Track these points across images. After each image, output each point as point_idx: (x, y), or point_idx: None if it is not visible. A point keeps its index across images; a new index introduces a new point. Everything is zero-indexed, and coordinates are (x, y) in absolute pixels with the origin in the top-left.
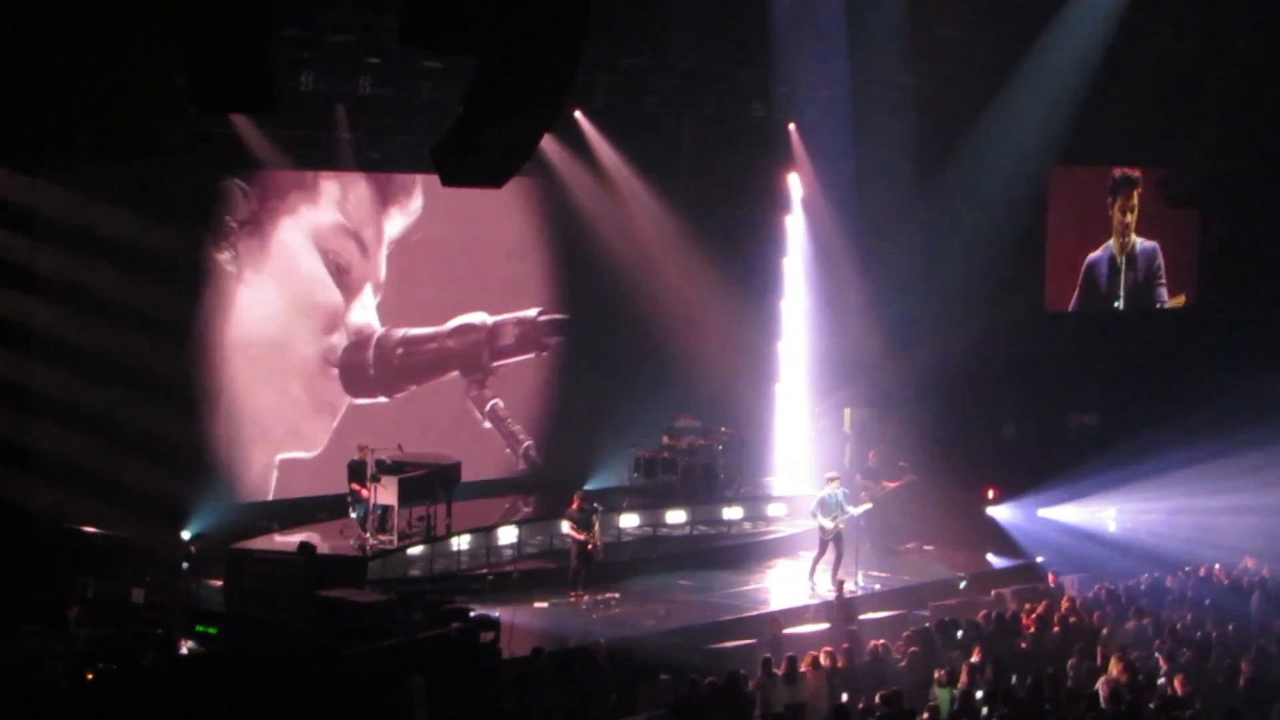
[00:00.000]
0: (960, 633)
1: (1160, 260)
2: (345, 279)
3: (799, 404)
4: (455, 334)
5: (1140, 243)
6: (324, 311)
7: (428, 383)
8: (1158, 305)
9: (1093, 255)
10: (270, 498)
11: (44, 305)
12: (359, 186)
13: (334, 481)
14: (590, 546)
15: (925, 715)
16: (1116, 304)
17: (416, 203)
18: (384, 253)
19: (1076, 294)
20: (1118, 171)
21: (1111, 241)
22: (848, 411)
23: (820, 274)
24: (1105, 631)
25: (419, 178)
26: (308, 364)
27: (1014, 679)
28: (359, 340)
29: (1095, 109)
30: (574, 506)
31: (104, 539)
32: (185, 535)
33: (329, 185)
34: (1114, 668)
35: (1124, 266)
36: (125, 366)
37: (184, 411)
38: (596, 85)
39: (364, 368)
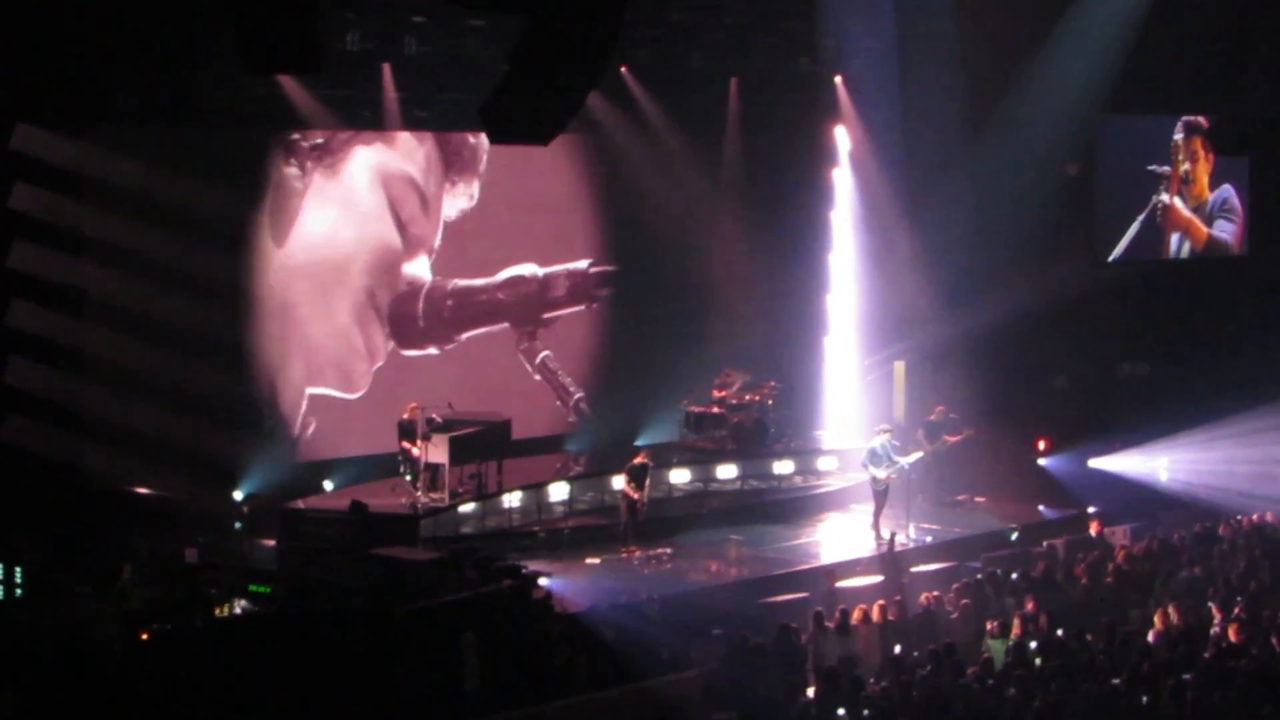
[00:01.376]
0: (1012, 584)
1: (1235, 202)
2: (405, 232)
3: (848, 357)
4: (506, 286)
5: (1215, 189)
6: (383, 251)
7: (477, 333)
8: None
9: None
10: (319, 456)
11: (93, 267)
12: (428, 145)
13: (384, 440)
14: (638, 505)
15: (978, 667)
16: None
17: (480, 166)
18: (442, 214)
19: (1126, 243)
20: (1184, 119)
21: (1172, 192)
22: (898, 365)
23: (868, 227)
24: (1158, 581)
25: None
26: (359, 298)
27: (1067, 630)
28: (409, 291)
29: (1143, 57)
30: (636, 461)
31: (157, 500)
32: (237, 495)
33: (403, 137)
34: (1167, 617)
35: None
36: (175, 327)
37: (234, 371)
38: (642, 41)
39: (413, 319)
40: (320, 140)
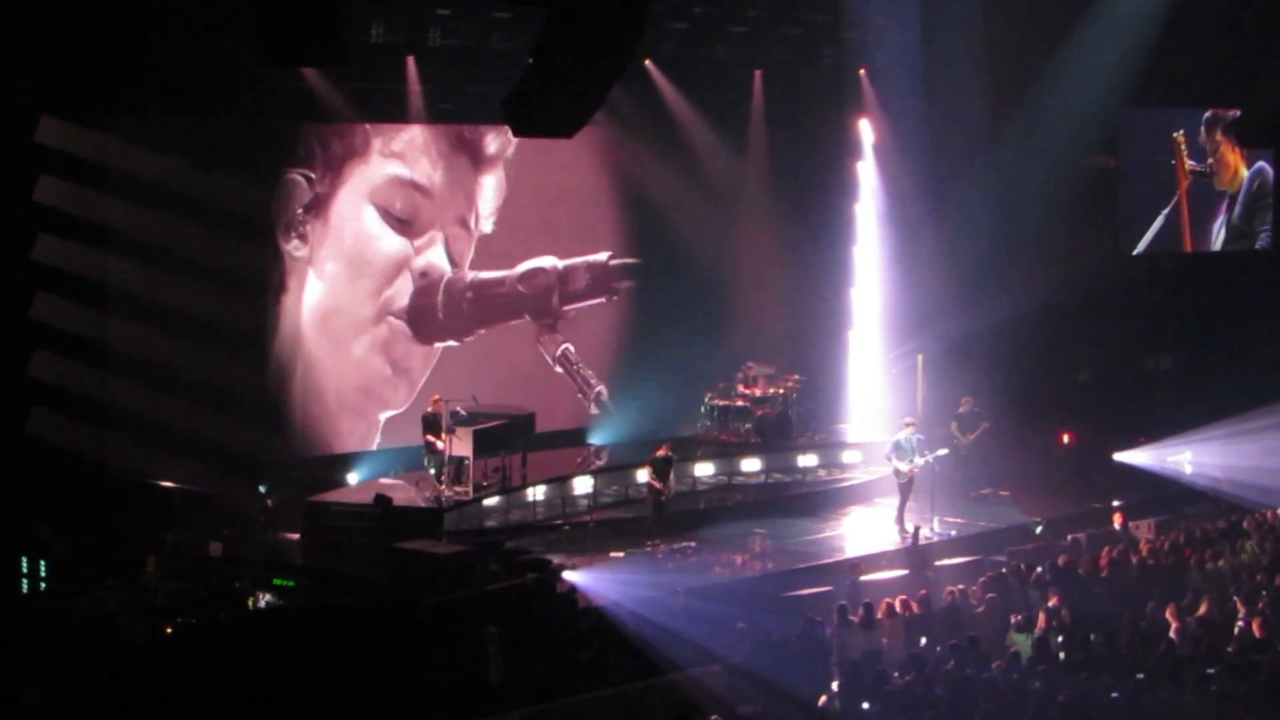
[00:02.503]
0: (1037, 578)
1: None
2: (408, 228)
3: (872, 350)
4: (525, 278)
5: (1248, 174)
6: (391, 269)
7: (497, 327)
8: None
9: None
10: (346, 450)
11: (117, 260)
12: (451, 139)
13: (409, 434)
14: (663, 497)
15: (1003, 661)
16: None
17: (505, 159)
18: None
19: (1151, 236)
20: (1209, 112)
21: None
22: (921, 358)
23: (892, 220)
24: (1182, 575)
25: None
26: (380, 330)
27: (1091, 623)
28: (427, 284)
29: (1167, 51)
30: (659, 454)
31: (181, 493)
32: (262, 489)
33: (382, 138)
34: (1192, 611)
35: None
36: (200, 320)
37: (259, 364)
38: (667, 34)
39: (432, 311)
40: (311, 200)
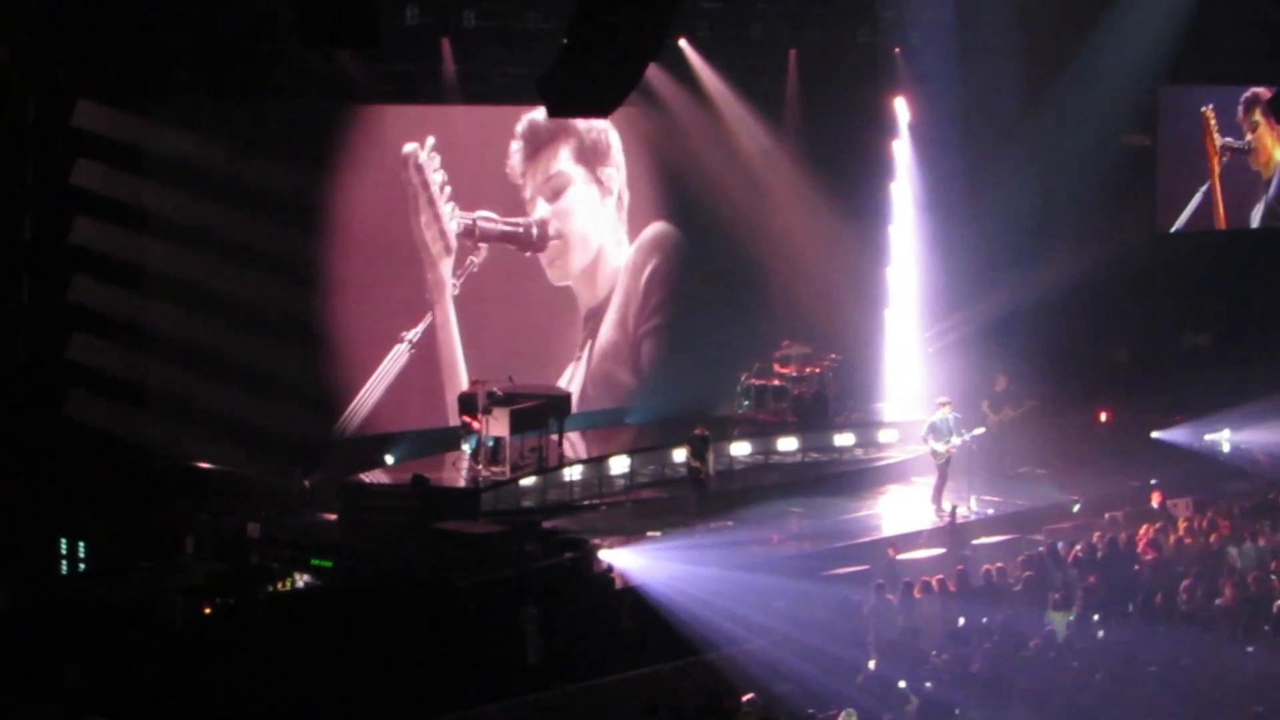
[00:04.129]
0: (1074, 556)
1: None
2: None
3: (909, 329)
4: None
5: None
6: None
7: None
8: None
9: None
10: (381, 430)
11: (155, 243)
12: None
13: (446, 414)
14: (702, 476)
15: (1040, 640)
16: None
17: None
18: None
19: (1188, 214)
20: (1248, 91)
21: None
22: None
23: (929, 198)
24: (1221, 553)
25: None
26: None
27: (1128, 602)
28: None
29: (1204, 28)
30: (696, 433)
31: (219, 475)
32: (299, 470)
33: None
34: (1229, 589)
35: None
36: (237, 301)
37: (296, 346)
38: (701, 13)
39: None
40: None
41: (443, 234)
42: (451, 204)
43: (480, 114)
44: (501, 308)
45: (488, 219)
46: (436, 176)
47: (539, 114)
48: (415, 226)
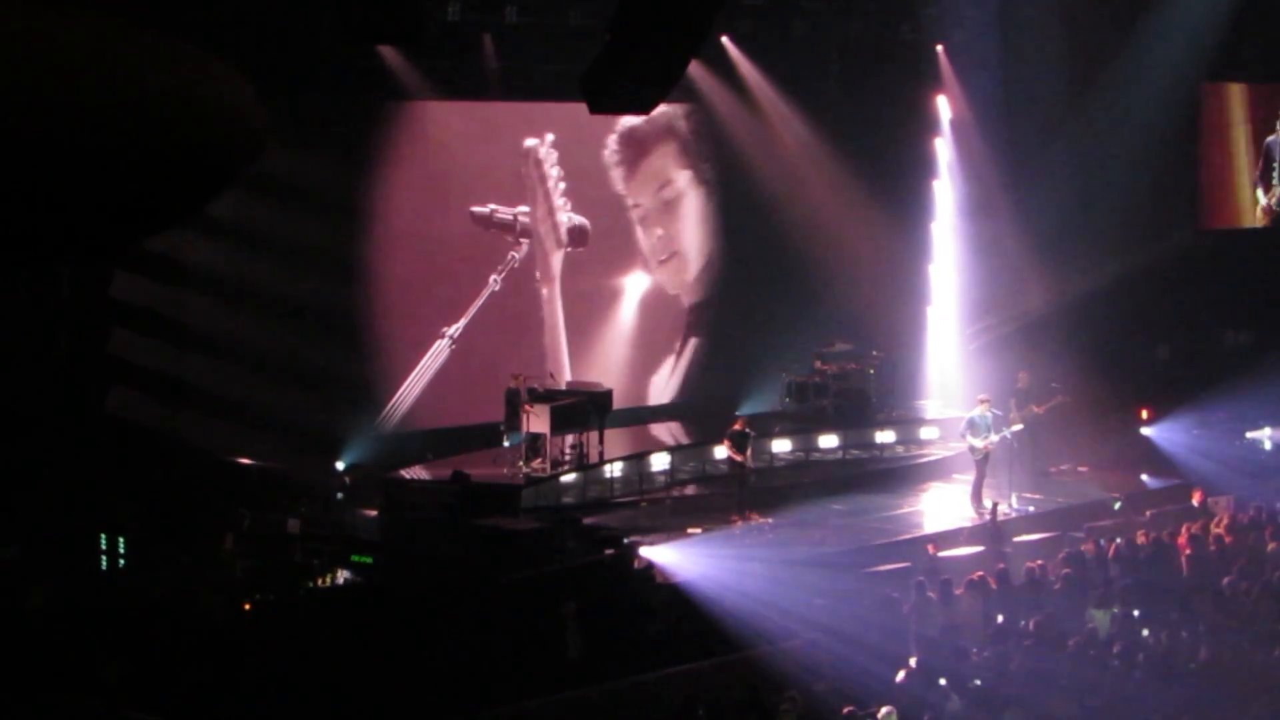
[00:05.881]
0: (1116, 554)
1: None
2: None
3: (951, 327)
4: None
5: None
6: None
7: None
8: None
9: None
10: (421, 426)
11: (196, 239)
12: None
13: (487, 410)
14: (746, 469)
15: (1081, 637)
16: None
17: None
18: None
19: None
20: None
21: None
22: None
23: (971, 196)
24: (1261, 551)
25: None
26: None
27: (1170, 600)
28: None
29: (1246, 25)
30: (736, 428)
31: (259, 470)
32: (339, 466)
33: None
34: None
35: None
36: (277, 297)
37: (337, 342)
38: (744, 9)
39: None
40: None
41: (555, 227)
42: (564, 199)
43: (521, 110)
44: (593, 307)
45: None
46: (553, 171)
47: (630, 121)
48: (531, 216)
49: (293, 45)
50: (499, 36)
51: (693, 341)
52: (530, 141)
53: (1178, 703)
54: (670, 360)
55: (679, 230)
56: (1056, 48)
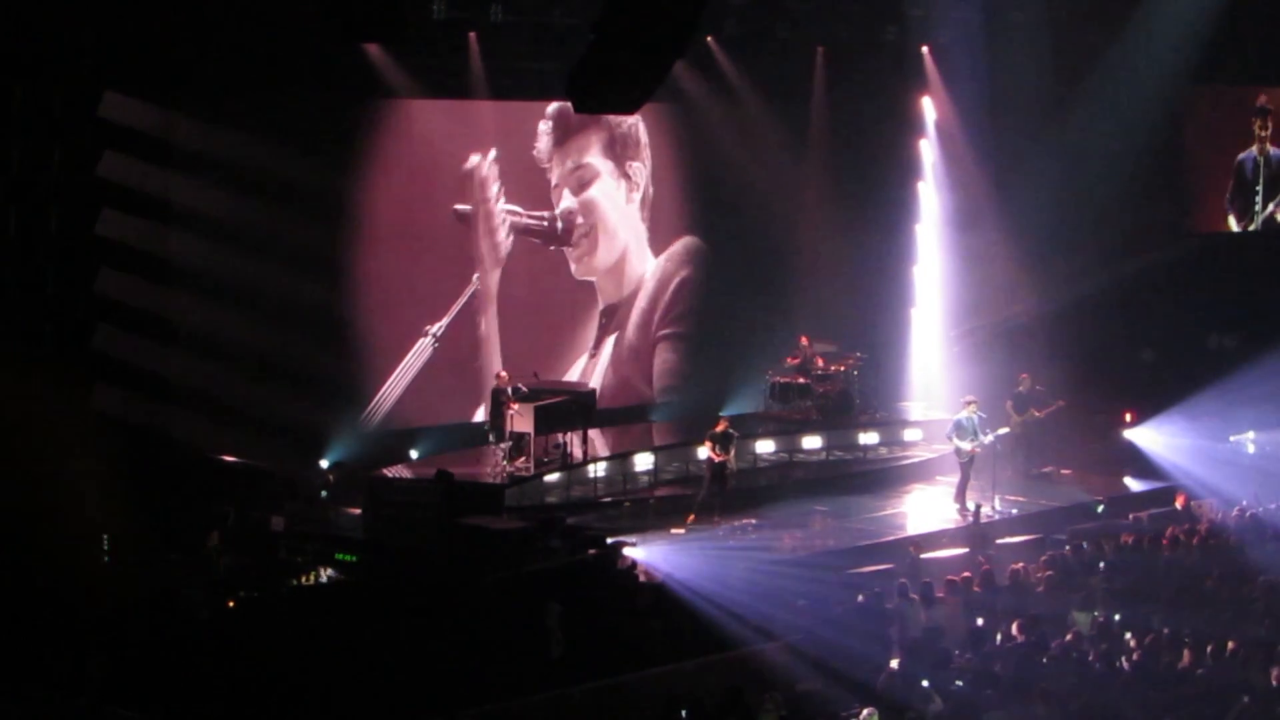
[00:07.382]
0: (1098, 556)
1: None
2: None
3: (934, 328)
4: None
5: None
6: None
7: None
8: None
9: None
10: (404, 425)
11: (181, 236)
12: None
13: (470, 409)
14: (726, 470)
15: (1063, 640)
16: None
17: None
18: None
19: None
20: (1263, 97)
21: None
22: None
23: (956, 197)
24: (1244, 554)
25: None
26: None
27: (1152, 602)
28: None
29: (1232, 28)
30: (718, 428)
31: (243, 468)
32: (324, 464)
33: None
34: (1253, 591)
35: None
36: (263, 295)
37: (321, 339)
38: (728, 10)
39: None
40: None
41: (495, 246)
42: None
43: (506, 109)
44: (523, 303)
45: (513, 212)
46: (494, 187)
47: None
48: (474, 238)
49: (278, 43)
50: (484, 35)
51: (607, 340)
52: (473, 160)
53: (1160, 705)
54: (584, 358)
55: (596, 219)
56: (1042, 49)
